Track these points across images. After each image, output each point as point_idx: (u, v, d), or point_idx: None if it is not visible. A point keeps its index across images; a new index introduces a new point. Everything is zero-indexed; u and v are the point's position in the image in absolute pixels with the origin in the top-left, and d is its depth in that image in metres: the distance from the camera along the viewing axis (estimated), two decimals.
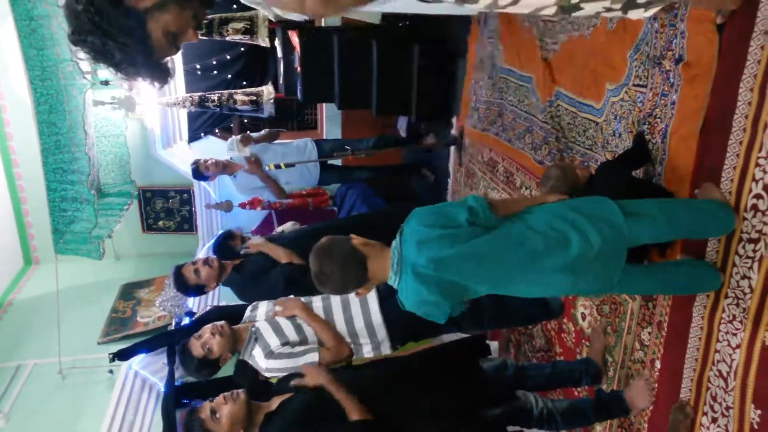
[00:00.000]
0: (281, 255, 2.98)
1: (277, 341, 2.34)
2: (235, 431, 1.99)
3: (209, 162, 4.55)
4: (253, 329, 2.42)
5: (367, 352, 2.44)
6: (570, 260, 1.55)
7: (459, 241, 1.57)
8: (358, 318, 2.42)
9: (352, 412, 1.95)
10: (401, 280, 1.64)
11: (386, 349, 2.46)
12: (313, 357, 2.29)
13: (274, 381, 2.60)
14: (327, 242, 1.69)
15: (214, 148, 6.26)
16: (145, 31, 1.15)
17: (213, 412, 2.00)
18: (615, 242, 1.57)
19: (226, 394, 2.05)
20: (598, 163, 2.43)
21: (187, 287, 2.93)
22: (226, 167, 4.62)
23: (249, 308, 2.65)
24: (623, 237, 1.57)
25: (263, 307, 2.59)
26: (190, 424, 2.01)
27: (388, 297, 2.33)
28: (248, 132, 5.02)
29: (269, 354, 2.31)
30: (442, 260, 1.56)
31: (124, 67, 1.18)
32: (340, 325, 2.42)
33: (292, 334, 2.37)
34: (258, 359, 2.34)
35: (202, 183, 6.57)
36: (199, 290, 3.02)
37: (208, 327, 2.42)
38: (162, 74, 1.26)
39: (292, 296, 2.54)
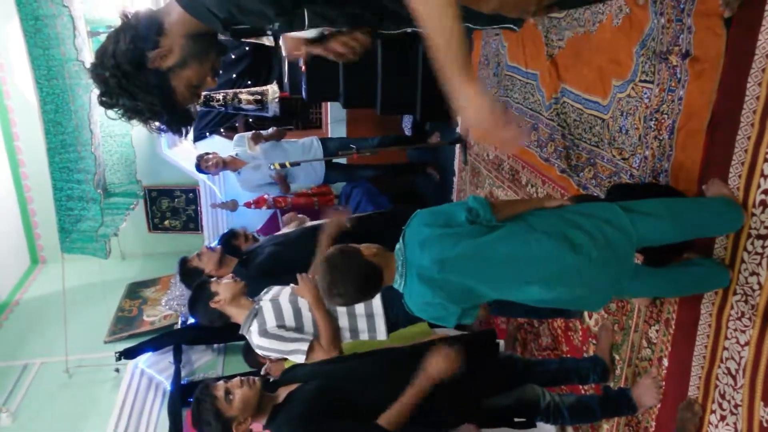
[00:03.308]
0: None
1: (274, 322, 2.41)
2: (244, 416, 1.99)
3: (210, 162, 4.60)
4: (256, 306, 2.49)
5: (362, 330, 2.47)
6: (575, 262, 1.53)
7: (462, 239, 1.54)
8: (359, 307, 2.47)
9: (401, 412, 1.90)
10: (406, 284, 1.62)
11: (382, 332, 2.47)
12: (302, 346, 2.34)
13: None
14: (339, 260, 1.63)
15: (220, 147, 6.23)
16: (170, 88, 1.24)
17: (227, 392, 2.00)
18: (620, 243, 1.55)
19: (242, 377, 2.06)
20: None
21: (190, 276, 2.95)
22: (228, 165, 4.65)
23: (263, 291, 2.69)
24: (629, 236, 1.55)
25: (274, 290, 2.63)
26: (202, 399, 2.01)
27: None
28: (258, 130, 5.06)
29: (263, 332, 2.39)
30: (446, 260, 1.54)
31: (153, 122, 1.29)
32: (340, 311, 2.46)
33: (290, 319, 2.43)
34: (253, 335, 2.42)
35: (208, 183, 6.60)
36: None
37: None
38: (187, 120, 1.37)
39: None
